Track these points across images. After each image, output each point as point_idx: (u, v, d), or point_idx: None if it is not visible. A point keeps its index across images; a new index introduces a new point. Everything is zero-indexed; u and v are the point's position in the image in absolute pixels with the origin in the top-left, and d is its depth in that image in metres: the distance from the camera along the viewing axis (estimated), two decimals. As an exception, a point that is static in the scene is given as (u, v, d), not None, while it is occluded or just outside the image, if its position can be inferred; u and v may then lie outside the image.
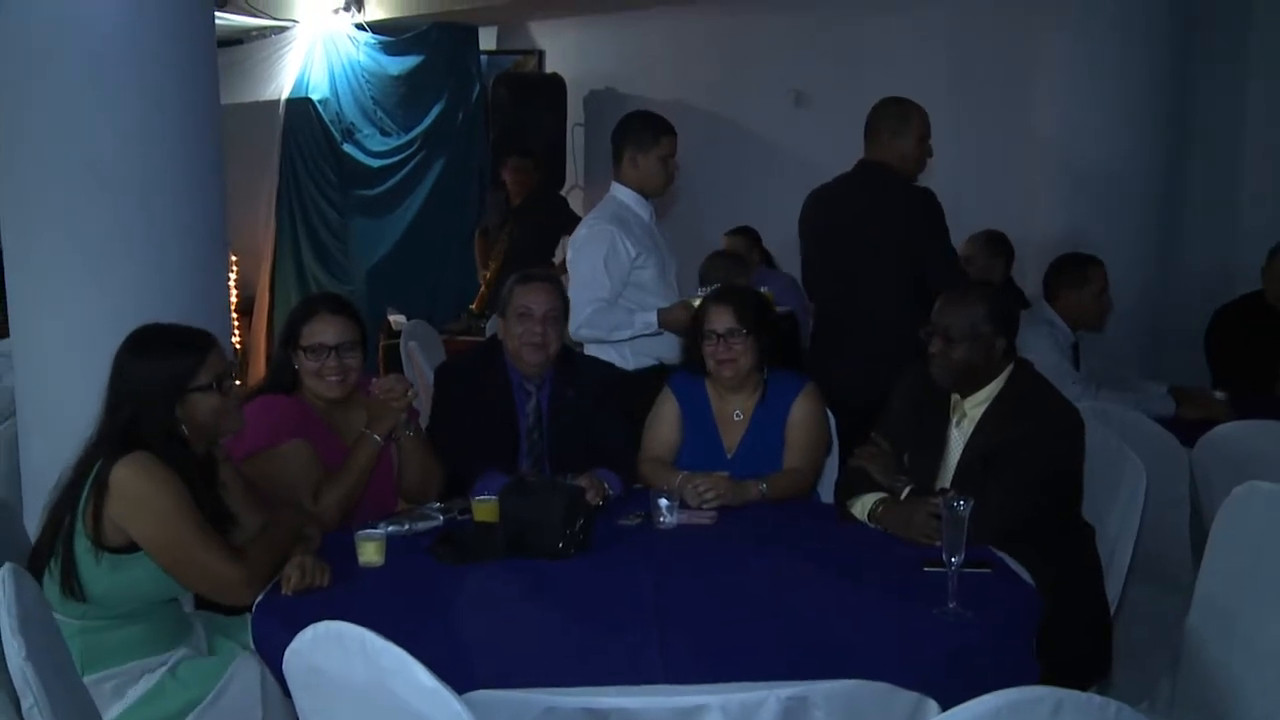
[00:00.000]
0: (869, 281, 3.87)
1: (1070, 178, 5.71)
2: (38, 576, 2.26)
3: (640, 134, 3.92)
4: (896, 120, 3.94)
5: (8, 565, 1.95)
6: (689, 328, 3.34)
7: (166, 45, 3.19)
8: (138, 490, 2.26)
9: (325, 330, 2.87)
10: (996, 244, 5.21)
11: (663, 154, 3.90)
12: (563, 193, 7.46)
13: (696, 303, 3.67)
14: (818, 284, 4.13)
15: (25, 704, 1.91)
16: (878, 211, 3.85)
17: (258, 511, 2.56)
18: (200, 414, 2.41)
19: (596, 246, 3.78)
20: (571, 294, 3.81)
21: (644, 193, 3.95)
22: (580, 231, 3.92)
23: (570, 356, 3.38)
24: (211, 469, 2.50)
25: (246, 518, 2.53)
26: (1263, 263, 4.72)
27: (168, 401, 2.36)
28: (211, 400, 2.41)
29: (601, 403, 3.31)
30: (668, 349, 3.86)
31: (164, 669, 2.36)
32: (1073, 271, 4.27)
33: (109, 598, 2.30)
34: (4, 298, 3.31)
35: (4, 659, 1.93)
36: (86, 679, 2.26)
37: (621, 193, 3.95)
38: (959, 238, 5.28)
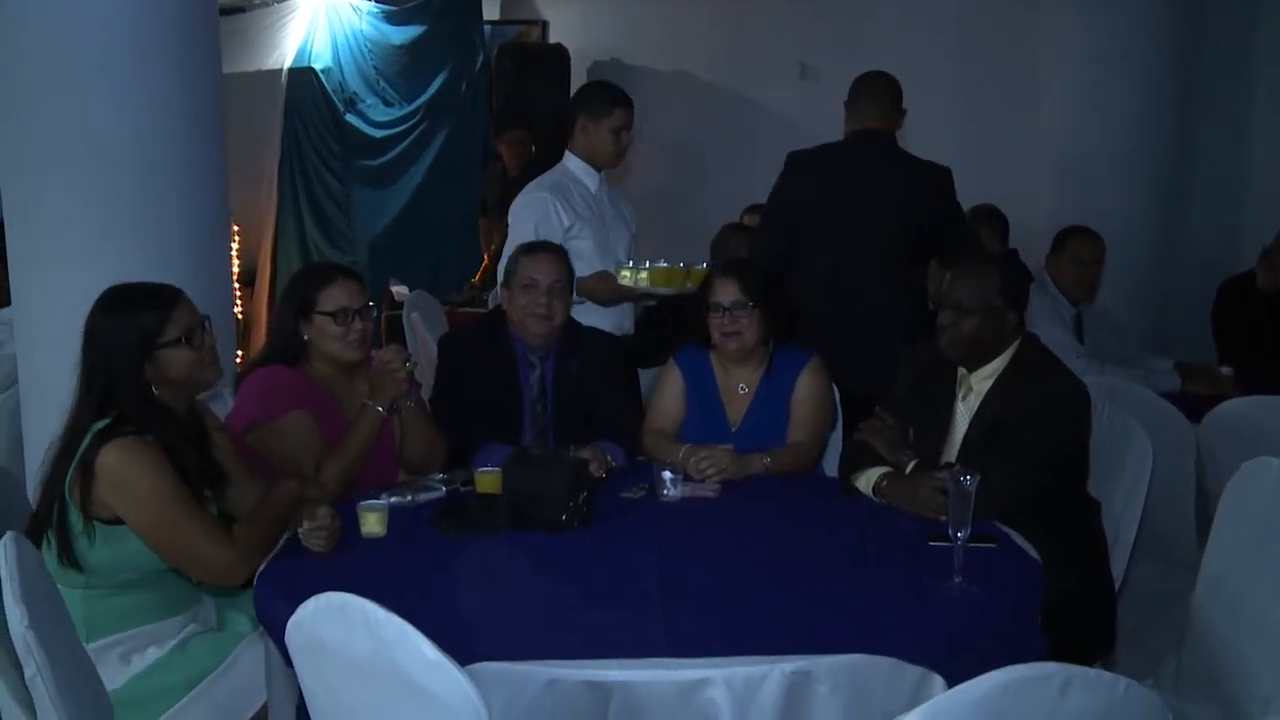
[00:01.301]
0: (870, 259, 3.69)
1: (1076, 155, 5.69)
2: (36, 545, 2.25)
3: (593, 103, 3.86)
4: (893, 90, 3.82)
5: (9, 534, 1.95)
6: (699, 303, 3.29)
7: (167, 14, 3.16)
8: (123, 476, 2.24)
9: (344, 294, 2.86)
10: (989, 217, 5.17)
11: (614, 125, 3.83)
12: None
13: (625, 274, 3.69)
14: (804, 259, 3.72)
15: (28, 672, 1.91)
16: (905, 184, 3.71)
17: (252, 483, 2.55)
18: (173, 370, 2.38)
19: (530, 213, 3.77)
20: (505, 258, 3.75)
21: (593, 163, 3.90)
22: (520, 198, 3.89)
23: (574, 329, 3.36)
24: (199, 428, 2.49)
25: (239, 488, 2.52)
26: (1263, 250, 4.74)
27: (137, 361, 2.34)
28: (183, 355, 2.39)
29: (604, 373, 3.30)
30: (603, 321, 3.80)
31: (173, 642, 2.37)
32: (1056, 239, 4.39)
33: (105, 567, 2.30)
34: (6, 266, 3.29)
35: (6, 627, 1.93)
36: (92, 646, 2.26)
37: (570, 161, 3.92)
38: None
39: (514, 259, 3.27)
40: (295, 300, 2.88)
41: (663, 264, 3.73)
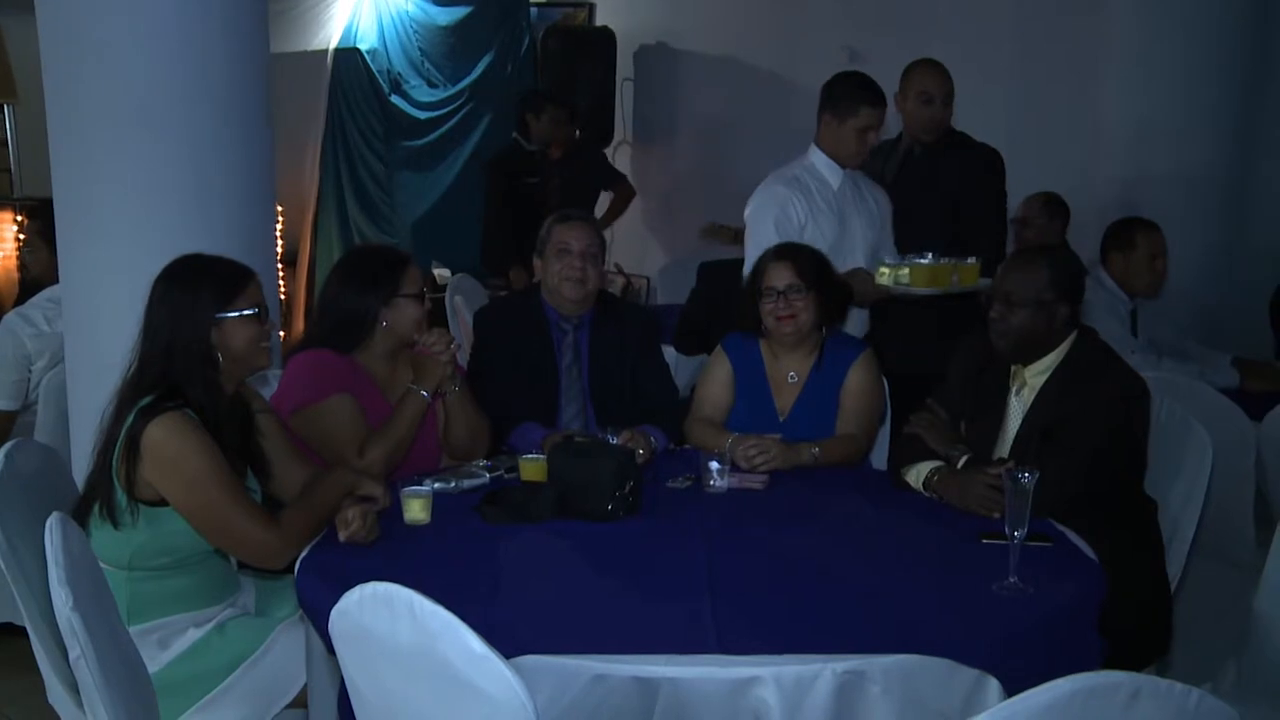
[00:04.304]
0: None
1: (1133, 142, 5.56)
2: (86, 517, 2.26)
3: (839, 100, 3.65)
4: None
5: (55, 515, 1.95)
6: (750, 289, 3.25)
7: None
8: (170, 453, 2.23)
9: (419, 275, 2.91)
10: (1054, 206, 5.07)
11: (861, 125, 3.61)
12: (610, 148, 7.37)
13: (884, 272, 3.54)
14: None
15: (73, 654, 1.92)
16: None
17: (301, 467, 2.53)
18: (237, 341, 2.36)
19: (768, 208, 3.63)
20: (747, 254, 3.62)
21: (836, 160, 3.71)
22: (758, 192, 3.73)
23: (612, 300, 3.43)
24: (245, 412, 2.47)
25: (287, 471, 2.51)
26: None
27: (204, 325, 2.32)
28: (250, 327, 2.38)
29: (648, 350, 3.31)
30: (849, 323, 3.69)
31: (210, 625, 2.36)
32: (1121, 234, 4.20)
33: (147, 549, 2.29)
34: (54, 246, 3.31)
35: (51, 608, 1.92)
36: (132, 629, 2.26)
37: (814, 155, 3.74)
38: (1016, 201, 5.17)
39: (548, 228, 3.31)
40: (379, 285, 2.82)
41: (924, 260, 3.50)
